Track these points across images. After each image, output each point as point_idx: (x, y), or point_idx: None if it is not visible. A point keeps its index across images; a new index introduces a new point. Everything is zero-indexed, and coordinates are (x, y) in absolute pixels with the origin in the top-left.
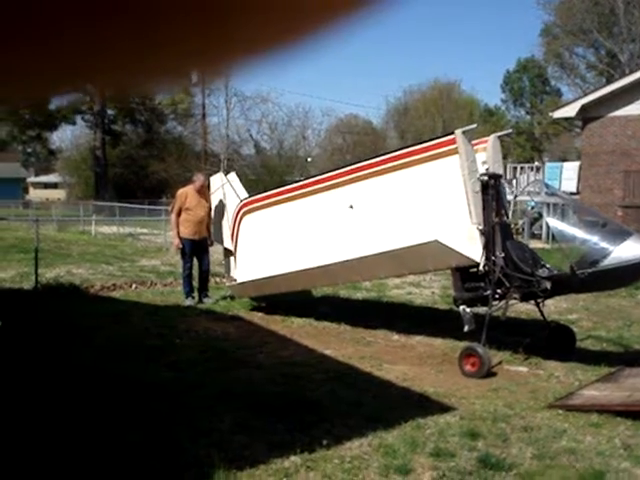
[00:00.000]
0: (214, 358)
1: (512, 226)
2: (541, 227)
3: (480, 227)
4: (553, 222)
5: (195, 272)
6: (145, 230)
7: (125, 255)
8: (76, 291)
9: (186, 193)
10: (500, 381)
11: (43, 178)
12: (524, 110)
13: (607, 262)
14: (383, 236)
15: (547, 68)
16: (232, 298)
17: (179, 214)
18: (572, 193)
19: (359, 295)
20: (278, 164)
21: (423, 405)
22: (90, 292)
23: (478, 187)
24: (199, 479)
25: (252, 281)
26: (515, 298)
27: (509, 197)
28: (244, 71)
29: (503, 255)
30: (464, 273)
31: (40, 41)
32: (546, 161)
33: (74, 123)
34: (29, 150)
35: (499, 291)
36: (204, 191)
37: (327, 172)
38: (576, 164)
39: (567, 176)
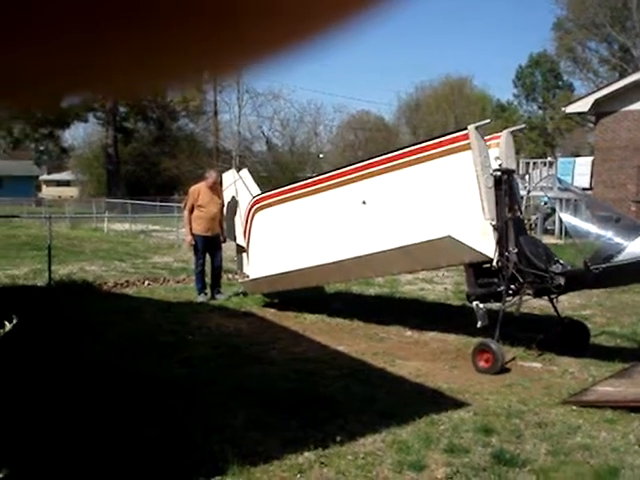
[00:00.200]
0: (227, 354)
1: (525, 221)
2: (554, 222)
3: (493, 223)
4: (567, 217)
5: (208, 268)
6: (157, 227)
7: (138, 252)
8: (89, 288)
9: (199, 190)
10: (514, 377)
11: (56, 176)
12: (536, 105)
13: (621, 257)
14: (396, 232)
15: (559, 63)
16: (245, 294)
17: (192, 211)
18: (585, 188)
19: (372, 291)
20: (290, 160)
21: (437, 401)
22: (103, 289)
23: (491, 182)
24: (213, 474)
25: (265, 277)
26: (528, 294)
27: (522, 192)
28: (255, 70)
29: (516, 251)
30: (477, 269)
31: (46, 42)
32: (559, 156)
33: (86, 121)
34: (42, 148)
35: (512, 287)
36: (216, 188)
37: (340, 168)
38: (589, 159)
39: (580, 171)
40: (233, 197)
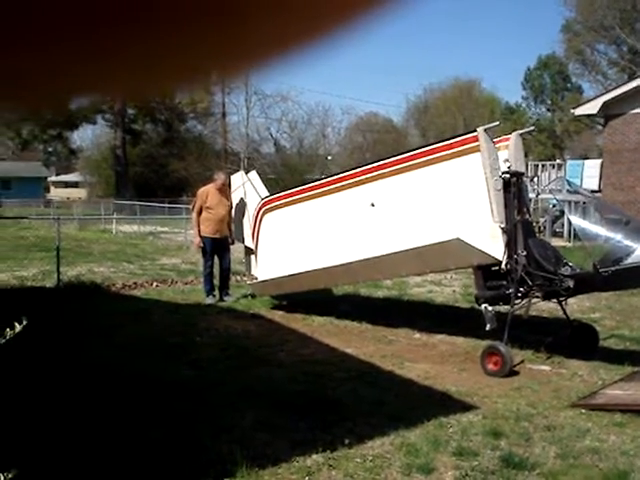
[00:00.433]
0: (235, 356)
1: (534, 224)
2: (563, 225)
3: (502, 225)
4: (576, 220)
5: (216, 270)
6: (166, 229)
7: (146, 253)
8: (97, 289)
9: (207, 192)
10: (523, 380)
11: (64, 177)
12: (545, 107)
13: (631, 260)
14: (405, 234)
15: (568, 65)
16: (253, 296)
17: (200, 213)
18: (594, 191)
19: (380, 293)
20: (298, 162)
21: (445, 404)
22: (111, 290)
23: (500, 185)
24: (222, 476)
25: (273, 279)
26: (537, 297)
27: (531, 195)
28: (263, 72)
29: (525, 253)
30: (486, 271)
31: (51, 44)
32: (567, 159)
33: (95, 122)
34: (50, 149)
35: (521, 289)
36: (225, 190)
37: (348, 170)
38: (598, 162)
39: (589, 174)
40: (241, 199)
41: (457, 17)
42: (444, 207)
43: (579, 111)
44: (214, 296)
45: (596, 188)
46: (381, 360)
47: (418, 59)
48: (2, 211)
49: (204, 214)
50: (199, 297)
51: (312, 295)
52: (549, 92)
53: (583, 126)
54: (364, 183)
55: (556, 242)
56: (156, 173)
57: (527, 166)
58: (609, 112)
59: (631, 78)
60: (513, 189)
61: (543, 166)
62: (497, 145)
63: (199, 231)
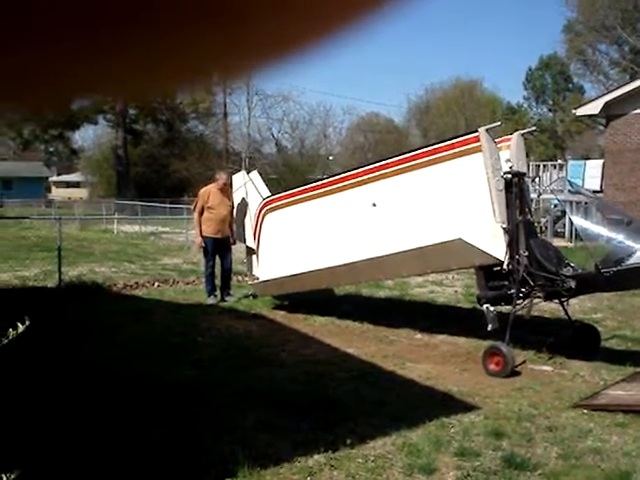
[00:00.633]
0: (236, 356)
1: (535, 224)
2: (564, 225)
3: (504, 225)
4: (578, 220)
5: (217, 270)
6: (167, 229)
7: (147, 253)
8: (99, 289)
9: (209, 192)
10: (524, 380)
11: (65, 177)
12: (546, 108)
13: (632, 260)
14: (406, 234)
15: (570, 65)
16: (254, 296)
17: (202, 213)
18: (595, 191)
19: (381, 293)
20: (300, 162)
21: (447, 404)
22: (113, 290)
23: (502, 185)
24: (224, 476)
25: (274, 279)
26: (539, 297)
27: (533, 195)
28: (265, 72)
29: (527, 254)
30: (488, 272)
31: (51, 44)
32: (569, 159)
33: (96, 122)
34: (51, 149)
35: (523, 290)
36: (226, 189)
37: (350, 170)
38: (599, 162)
39: (590, 174)
40: (243, 199)
41: (458, 17)
42: (446, 207)
43: (581, 111)
44: (215, 296)
45: (598, 188)
46: (383, 360)
47: (419, 59)
48: (4, 211)
49: (205, 214)
50: (200, 297)
51: (314, 295)
52: (550, 92)
53: (585, 126)
54: (366, 183)
55: (558, 242)
56: (157, 173)
57: (529, 166)
58: (611, 112)
59: (633, 78)
60: (515, 189)
61: (545, 166)
62: (499, 145)
63: (200, 231)
